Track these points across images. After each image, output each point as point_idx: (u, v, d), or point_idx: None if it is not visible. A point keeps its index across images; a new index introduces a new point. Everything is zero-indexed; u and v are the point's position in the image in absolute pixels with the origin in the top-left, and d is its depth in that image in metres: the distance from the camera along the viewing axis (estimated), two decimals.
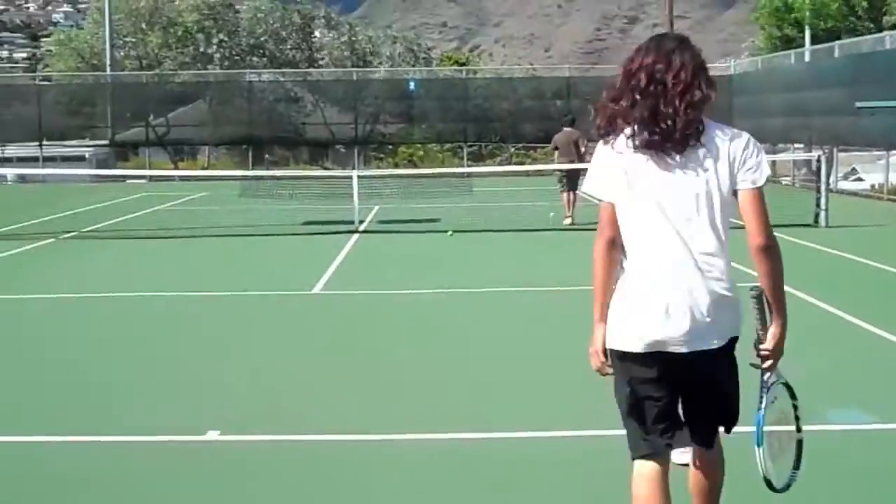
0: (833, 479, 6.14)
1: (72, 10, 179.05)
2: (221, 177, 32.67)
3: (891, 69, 26.89)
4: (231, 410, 7.79)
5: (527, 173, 37.69)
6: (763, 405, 4.43)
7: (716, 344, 4.31)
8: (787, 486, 4.52)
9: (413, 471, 6.44)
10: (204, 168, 45.00)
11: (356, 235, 19.67)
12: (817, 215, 20.36)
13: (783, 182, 34.87)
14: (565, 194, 21.75)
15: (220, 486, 6.24)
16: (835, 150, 31.43)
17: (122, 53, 52.34)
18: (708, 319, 4.27)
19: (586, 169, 4.58)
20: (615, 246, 4.39)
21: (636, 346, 4.30)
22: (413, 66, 51.97)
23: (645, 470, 4.39)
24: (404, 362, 9.45)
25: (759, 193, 4.34)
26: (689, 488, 4.62)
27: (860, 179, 35.72)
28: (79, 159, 44.45)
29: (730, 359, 4.42)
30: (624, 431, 4.48)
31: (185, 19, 52.57)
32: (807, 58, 34.43)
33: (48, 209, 25.88)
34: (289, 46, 54.35)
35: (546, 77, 46.96)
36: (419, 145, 46.93)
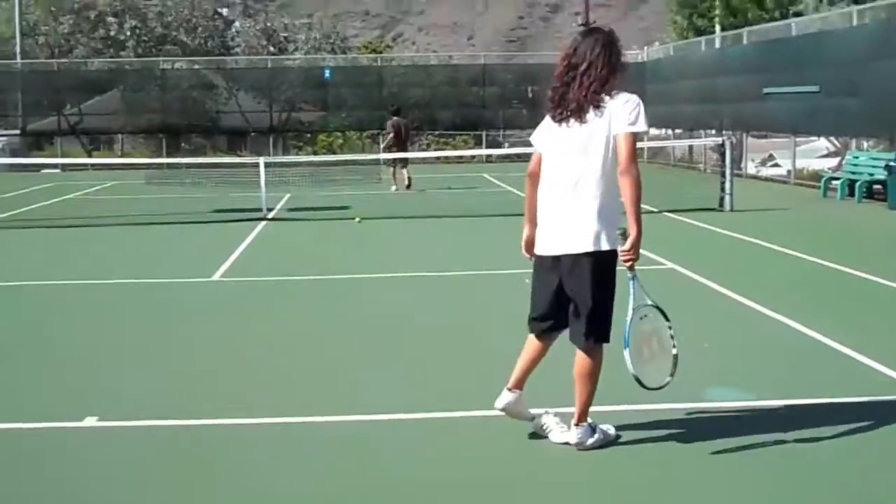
0: (725, 453, 6.25)
1: None
2: (133, 165, 32.28)
3: (797, 55, 27.27)
4: (114, 397, 7.72)
5: (437, 159, 37.76)
6: (630, 312, 6.10)
7: (580, 249, 6.00)
8: (660, 387, 6.19)
9: (298, 454, 6.40)
10: (119, 157, 44.47)
11: (263, 223, 19.58)
12: (722, 199, 20.60)
13: (697, 168, 35.27)
14: (393, 169, 27.68)
15: (96, 472, 6.16)
16: (744, 135, 31.83)
17: (31, 41, 51.41)
18: (578, 232, 6.02)
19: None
20: (533, 178, 6.35)
21: (538, 250, 6.28)
22: (330, 53, 51.71)
23: (531, 339, 6.38)
24: (293, 347, 9.43)
25: (629, 136, 6.00)
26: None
27: (777, 165, 36.24)
28: None
29: (595, 271, 6.04)
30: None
31: (96, 2, 51.82)
32: (717, 45, 34.78)
33: None
34: (200, 34, 53.71)
35: (462, 65, 46.98)
36: (338, 133, 46.77)
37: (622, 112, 6.01)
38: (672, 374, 6.19)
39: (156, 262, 15.16)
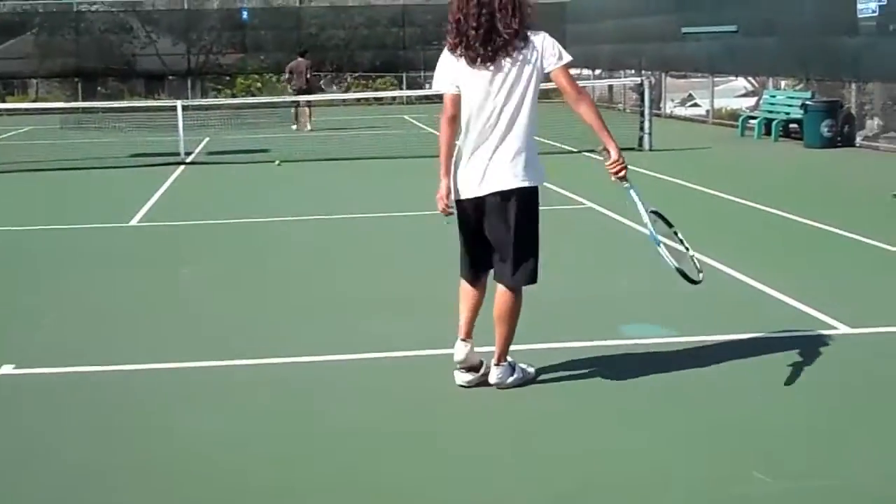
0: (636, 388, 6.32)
1: None
2: (47, 110, 31.76)
3: None
4: (30, 345, 7.65)
5: (357, 101, 37.58)
6: (641, 209, 6.45)
7: (507, 186, 6.02)
8: (699, 282, 6.32)
9: (217, 396, 6.41)
10: (34, 102, 43.65)
11: (182, 167, 19.39)
12: (641, 139, 20.73)
13: (617, 108, 35.42)
14: (296, 110, 28.37)
15: (13, 420, 6.12)
16: (663, 75, 32.00)
17: None
18: (504, 170, 6.02)
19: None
20: (454, 122, 6.16)
21: (464, 194, 6.14)
22: None
23: (466, 286, 6.38)
24: (210, 291, 9.41)
25: (565, 69, 6.10)
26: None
27: (696, 105, 36.46)
28: None
29: (521, 209, 6.09)
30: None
31: None
32: None
33: None
34: None
35: (381, 6, 46.55)
36: (258, 76, 46.25)
37: (548, 49, 6.04)
38: (700, 270, 6.46)
39: (72, 209, 14.97)
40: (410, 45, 42.54)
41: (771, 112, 23.91)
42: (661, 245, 6.27)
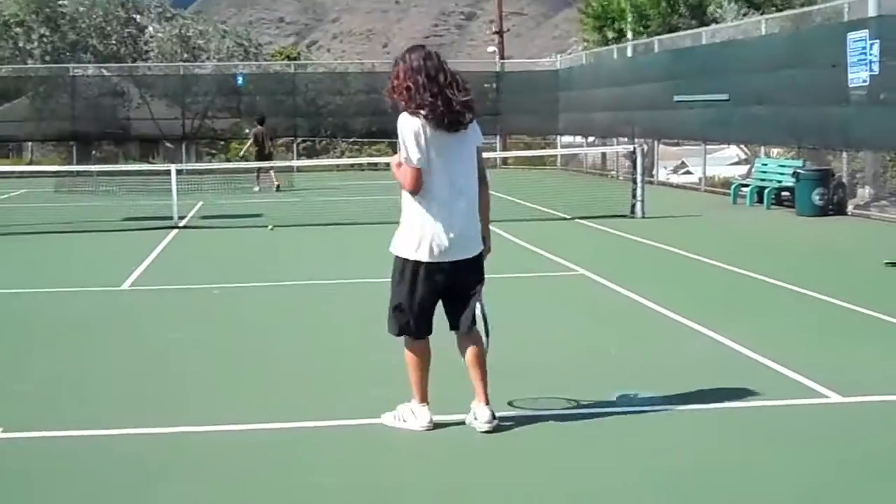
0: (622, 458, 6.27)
1: None
2: (41, 173, 31.82)
3: (707, 63, 27.65)
4: (15, 408, 7.61)
5: (351, 167, 37.76)
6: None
7: (477, 251, 6.70)
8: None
9: (200, 464, 6.36)
10: (29, 164, 43.77)
11: (175, 231, 19.41)
12: (633, 206, 20.79)
13: (610, 175, 35.55)
14: (258, 174, 30.04)
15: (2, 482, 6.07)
16: (656, 142, 32.17)
17: None
18: (475, 235, 6.64)
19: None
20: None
21: (434, 258, 6.51)
22: (243, 60, 51.33)
23: (418, 346, 6.72)
24: (199, 355, 9.37)
25: (480, 150, 6.71)
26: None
27: (689, 172, 36.67)
28: None
29: (481, 266, 6.80)
30: None
31: (2, 12, 50.86)
32: (629, 53, 35.11)
33: None
34: (113, 41, 52.98)
35: (379, 72, 46.81)
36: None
37: (477, 126, 6.66)
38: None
39: (64, 272, 14.94)
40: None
41: (763, 180, 24.01)
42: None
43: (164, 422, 7.19)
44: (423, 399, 6.71)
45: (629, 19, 36.85)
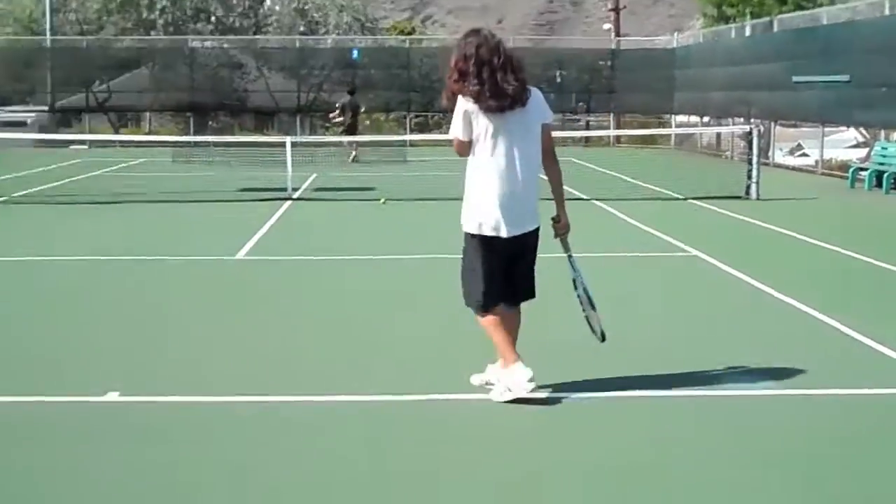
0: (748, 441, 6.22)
1: None
2: (160, 142, 32.35)
3: (827, 44, 27.12)
4: (134, 372, 7.78)
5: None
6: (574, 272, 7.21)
7: (536, 224, 6.86)
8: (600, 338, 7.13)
9: (312, 432, 6.46)
10: (147, 134, 44.59)
11: (288, 203, 19.62)
12: (748, 187, 20.50)
13: (724, 156, 35.11)
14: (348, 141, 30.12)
15: (117, 446, 6.20)
16: (772, 124, 31.67)
17: (60, 17, 51.42)
18: (534, 210, 6.85)
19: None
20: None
21: (501, 232, 6.74)
22: (359, 34, 51.65)
23: (498, 314, 6.90)
24: (313, 326, 9.47)
25: (550, 127, 6.99)
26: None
27: (805, 155, 36.00)
28: (20, 124, 43.93)
29: (537, 240, 6.94)
30: None
31: None
32: (747, 32, 34.58)
33: None
34: (237, 13, 53.73)
35: None
36: (364, 115, 46.73)
37: (545, 104, 6.96)
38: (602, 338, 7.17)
39: (181, 240, 15.20)
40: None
41: (882, 164, 23.49)
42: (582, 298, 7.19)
43: (281, 390, 7.30)
44: (515, 357, 6.82)
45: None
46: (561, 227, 7.05)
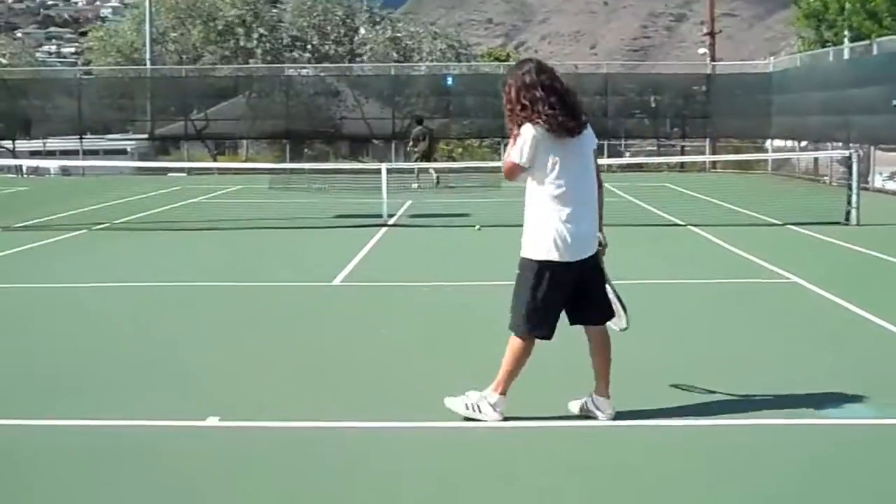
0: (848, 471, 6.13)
1: (119, 4, 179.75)
2: (257, 170, 32.82)
3: None
4: (234, 397, 7.85)
5: None
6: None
7: (597, 247, 6.96)
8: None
9: (411, 459, 6.48)
10: (244, 162, 45.17)
11: (384, 229, 19.74)
12: (848, 213, 20.20)
13: (822, 181, 34.63)
14: (418, 171, 30.92)
15: (217, 471, 6.28)
16: (872, 148, 31.19)
17: (160, 48, 52.47)
18: (595, 232, 6.94)
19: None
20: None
21: (566, 257, 6.81)
22: (453, 61, 51.91)
23: (528, 345, 7.01)
24: (407, 351, 9.51)
25: (596, 152, 7.08)
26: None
27: None
28: (121, 153, 44.86)
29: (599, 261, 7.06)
30: None
31: (225, 14, 52.67)
32: (846, 55, 34.12)
33: (85, 201, 26.15)
34: (331, 40, 54.35)
35: (585, 74, 46.74)
36: (458, 141, 46.92)
37: (591, 130, 7.00)
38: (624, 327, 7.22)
39: (278, 266, 15.35)
40: (612, 114, 42.46)
41: None
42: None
43: (380, 416, 7.31)
44: (505, 393, 7.01)
45: (849, 18, 35.81)
46: (602, 248, 7.08)
